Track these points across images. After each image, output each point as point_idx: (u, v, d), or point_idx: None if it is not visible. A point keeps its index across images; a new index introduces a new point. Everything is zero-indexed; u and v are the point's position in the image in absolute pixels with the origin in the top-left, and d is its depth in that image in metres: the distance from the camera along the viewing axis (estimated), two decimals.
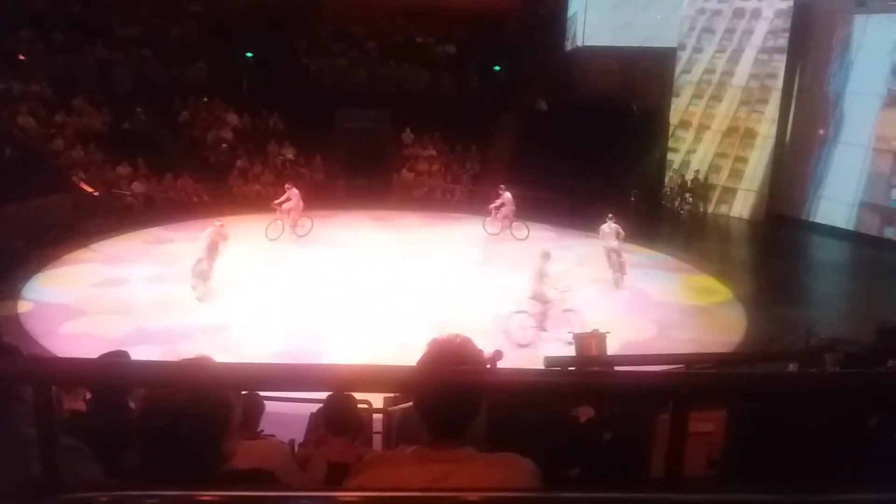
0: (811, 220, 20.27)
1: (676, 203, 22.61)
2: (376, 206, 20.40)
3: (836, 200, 19.65)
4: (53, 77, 22.03)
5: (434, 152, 24.18)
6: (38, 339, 11.25)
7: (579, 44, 25.53)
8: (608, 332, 9.00)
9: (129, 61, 23.58)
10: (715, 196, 22.28)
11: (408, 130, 24.33)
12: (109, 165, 20.44)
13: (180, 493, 1.69)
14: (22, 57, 22.16)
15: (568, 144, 21.36)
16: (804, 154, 20.66)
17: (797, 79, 20.86)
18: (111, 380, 2.33)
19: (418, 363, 1.99)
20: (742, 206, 21.74)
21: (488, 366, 6.91)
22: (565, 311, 11.92)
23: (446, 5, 25.29)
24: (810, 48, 20.60)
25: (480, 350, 2.08)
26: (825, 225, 19.69)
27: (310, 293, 13.72)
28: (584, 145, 21.13)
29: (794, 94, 20.92)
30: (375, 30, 27.05)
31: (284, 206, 17.44)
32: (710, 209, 22.25)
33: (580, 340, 8.69)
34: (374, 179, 22.77)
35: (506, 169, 22.58)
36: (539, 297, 12.03)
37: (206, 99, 23.72)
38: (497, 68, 26.56)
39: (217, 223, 14.14)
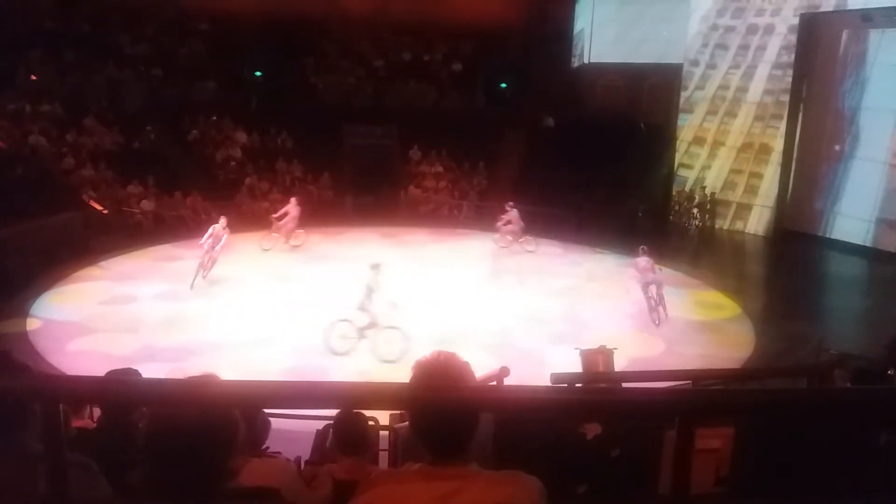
0: (827, 236, 20.04)
1: (684, 219, 22.56)
2: (384, 223, 20.44)
3: (853, 217, 19.42)
4: (64, 96, 22.26)
5: (441, 169, 24.25)
6: (47, 357, 11.27)
7: (586, 60, 25.63)
8: (616, 348, 8.96)
9: (139, 80, 23.80)
10: (730, 212, 22.13)
11: (415, 147, 24.43)
12: (119, 184, 20.57)
13: None
14: (33, 76, 22.41)
15: (575, 161, 21.39)
16: (819, 170, 20.52)
17: (804, 94, 20.85)
18: (118, 397, 2.34)
19: (410, 385, 1.98)
20: (757, 222, 21.59)
21: (494, 382, 6.88)
22: (390, 327, 11.63)
23: (453, 23, 25.43)
24: (817, 63, 20.58)
25: (466, 363, 2.07)
26: (842, 241, 19.42)
27: (317, 310, 13.72)
28: (591, 161, 21.14)
29: (801, 109, 20.90)
30: (382, 48, 27.25)
31: (282, 219, 17.97)
32: (726, 225, 22.08)
33: (587, 356, 8.65)
34: (381, 196, 22.84)
35: (513, 185, 22.61)
36: (365, 309, 11.85)
37: (215, 117, 23.89)
38: (504, 85, 26.68)
39: (222, 220, 15.63)
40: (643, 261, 13.98)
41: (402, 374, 2.07)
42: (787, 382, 7.07)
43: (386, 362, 11.17)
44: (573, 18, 26.03)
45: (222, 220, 15.70)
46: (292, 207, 18.02)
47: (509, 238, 18.69)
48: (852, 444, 2.87)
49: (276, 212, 18.43)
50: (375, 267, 12.22)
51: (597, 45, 25.17)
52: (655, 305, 13.68)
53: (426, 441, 1.99)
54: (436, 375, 1.98)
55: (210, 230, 15.35)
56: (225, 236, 15.49)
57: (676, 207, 22.87)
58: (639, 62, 24.26)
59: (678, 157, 23.37)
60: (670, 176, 23.36)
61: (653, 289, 13.72)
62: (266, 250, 17.70)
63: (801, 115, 20.88)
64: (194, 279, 14.84)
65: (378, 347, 11.57)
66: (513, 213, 18.66)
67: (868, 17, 18.88)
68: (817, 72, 20.62)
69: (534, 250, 18.34)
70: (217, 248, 15.27)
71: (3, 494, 2.05)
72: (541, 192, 20.65)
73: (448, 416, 1.94)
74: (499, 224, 18.92)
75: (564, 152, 22.06)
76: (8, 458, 2.09)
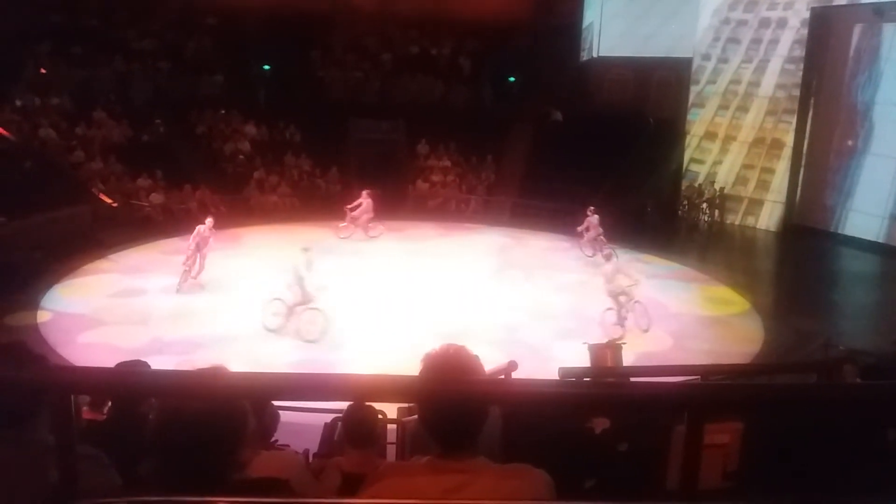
0: (840, 232, 19.88)
1: (693, 214, 22.48)
2: (391, 217, 20.45)
3: (867, 213, 19.23)
4: (73, 90, 22.34)
5: (449, 163, 24.23)
6: (57, 349, 11.34)
7: (594, 54, 25.53)
8: (624, 343, 8.96)
9: (148, 74, 23.87)
10: (742, 208, 22.00)
11: (423, 141, 24.41)
12: (128, 177, 20.65)
13: (195, 499, 1.71)
14: (43, 70, 22.50)
15: (583, 155, 21.32)
16: (832, 165, 20.36)
17: (814, 89, 20.70)
18: (127, 389, 2.35)
19: (417, 380, 1.98)
20: (769, 217, 21.45)
21: (503, 376, 6.89)
22: (636, 302, 12.79)
23: (460, 17, 25.38)
24: (828, 58, 20.43)
25: (476, 356, 2.07)
26: (855, 237, 19.27)
27: (324, 303, 13.74)
28: (599, 156, 21.08)
29: (812, 103, 20.75)
30: (390, 42, 27.22)
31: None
32: (738, 221, 21.93)
33: (596, 351, 8.65)
34: (388, 190, 22.84)
35: (520, 179, 22.58)
36: (615, 293, 12.75)
37: (223, 111, 23.95)
38: (511, 79, 26.61)
39: (208, 220, 15.22)
40: (595, 219, 17.00)
41: (409, 368, 2.07)
42: (795, 378, 7.04)
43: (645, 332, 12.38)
44: (581, 12, 25.92)
45: (209, 221, 15.05)
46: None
47: (352, 227, 18.87)
48: (860, 440, 2.86)
49: (291, 209, 18.12)
50: (609, 256, 14.03)
51: (605, 38, 25.06)
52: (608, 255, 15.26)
53: (435, 434, 1.99)
54: (445, 368, 1.98)
55: (195, 231, 14.63)
56: (211, 239, 14.80)
57: (685, 203, 22.78)
58: (647, 56, 24.13)
59: (690, 153, 23.23)
60: (679, 171, 23.26)
61: (602, 239, 16.71)
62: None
63: (811, 110, 20.74)
64: (181, 282, 14.36)
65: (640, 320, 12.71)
66: (367, 201, 18.85)
67: (880, 11, 18.70)
68: (828, 66, 20.45)
69: (377, 236, 18.76)
70: (204, 250, 14.64)
71: (14, 485, 2.07)
72: (548, 186, 20.61)
73: (457, 409, 1.94)
74: (350, 212, 19.01)
75: (572, 147, 21.99)
76: (19, 448, 2.11)
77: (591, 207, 17.36)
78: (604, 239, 16.94)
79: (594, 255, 16.47)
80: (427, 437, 2.00)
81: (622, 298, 12.75)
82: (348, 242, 18.35)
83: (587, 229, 17.31)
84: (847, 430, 2.80)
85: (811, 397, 2.00)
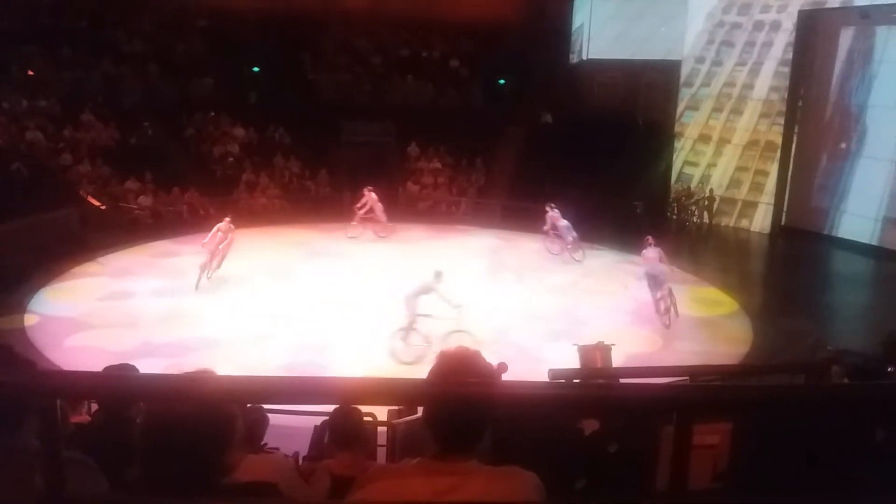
0: (833, 234, 19.96)
1: (683, 215, 22.57)
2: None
3: (859, 215, 19.29)
4: (61, 92, 22.21)
5: (439, 165, 24.24)
6: (45, 353, 11.26)
7: (584, 57, 25.62)
8: (613, 344, 8.97)
9: (137, 76, 23.76)
10: (736, 210, 22.07)
11: (413, 144, 24.41)
12: (117, 180, 20.55)
13: (184, 503, 1.70)
14: (30, 72, 22.35)
15: (573, 157, 21.38)
16: (824, 168, 20.45)
17: (803, 91, 20.81)
18: (114, 393, 2.34)
19: (428, 376, 1.98)
20: (763, 220, 21.52)
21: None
22: (455, 332, 11.12)
23: (451, 19, 25.40)
24: (816, 60, 20.54)
25: (490, 363, 2.07)
26: (848, 240, 19.33)
27: (315, 306, 13.72)
28: (589, 158, 21.13)
29: (800, 106, 20.86)
30: (380, 44, 27.22)
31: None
32: (732, 223, 21.99)
33: (585, 352, 8.66)
34: (379, 192, 22.79)
35: (511, 181, 22.60)
36: (411, 310, 11.77)
37: (212, 113, 23.86)
38: (502, 82, 26.67)
39: (226, 219, 15.40)
40: (650, 251, 13.81)
41: (399, 369, 2.07)
42: (784, 379, 7.08)
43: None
44: (571, 14, 26.01)
45: (226, 220, 15.35)
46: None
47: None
48: (849, 440, 2.87)
49: (281, 211, 17.98)
50: (438, 275, 12.07)
51: (595, 41, 25.15)
52: (665, 307, 13.20)
53: (439, 433, 1.98)
54: (458, 369, 1.98)
55: (215, 229, 15.06)
56: (231, 235, 15.14)
57: (675, 204, 22.87)
58: (637, 59, 24.24)
59: (684, 155, 23.30)
60: (668, 172, 23.35)
61: (658, 290, 13.25)
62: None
63: (800, 112, 20.85)
64: (199, 280, 14.47)
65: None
66: (559, 221, 17.62)
67: (866, 14, 18.84)
68: (816, 69, 20.57)
69: (580, 260, 17.23)
70: (222, 245, 14.97)
71: (0, 491, 2.05)
72: (538, 188, 20.63)
73: (465, 410, 1.94)
74: (549, 232, 17.89)
75: (562, 149, 22.05)
76: (5, 454, 2.09)
77: (649, 237, 14.20)
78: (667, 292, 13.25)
79: (666, 317, 13.23)
80: (429, 435, 1.99)
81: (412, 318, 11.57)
82: (340, 245, 18.29)
83: (648, 261, 13.80)
84: (835, 430, 2.81)
85: (800, 398, 2.01)
